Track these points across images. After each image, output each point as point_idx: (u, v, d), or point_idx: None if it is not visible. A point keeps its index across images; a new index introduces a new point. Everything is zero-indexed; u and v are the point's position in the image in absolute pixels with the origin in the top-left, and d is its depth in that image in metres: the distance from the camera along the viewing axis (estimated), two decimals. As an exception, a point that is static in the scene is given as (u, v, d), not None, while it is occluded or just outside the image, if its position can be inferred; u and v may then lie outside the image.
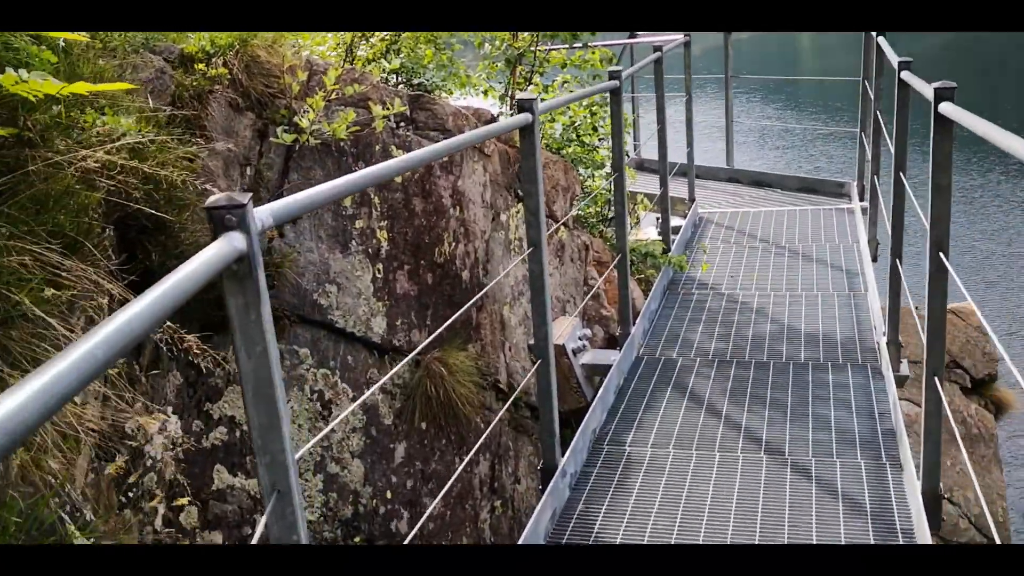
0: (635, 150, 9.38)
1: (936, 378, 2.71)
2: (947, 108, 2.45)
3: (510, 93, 6.19)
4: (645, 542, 3.09)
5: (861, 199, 6.91)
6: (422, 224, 3.95)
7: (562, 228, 5.04)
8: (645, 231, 7.31)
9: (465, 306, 2.85)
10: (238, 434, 2.97)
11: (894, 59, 3.91)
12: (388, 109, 3.66)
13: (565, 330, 4.69)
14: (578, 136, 5.74)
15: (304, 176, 3.47)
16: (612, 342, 5.03)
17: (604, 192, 5.59)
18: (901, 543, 2.91)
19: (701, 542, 3.05)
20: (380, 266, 3.75)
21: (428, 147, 2.21)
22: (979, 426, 6.72)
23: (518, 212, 4.66)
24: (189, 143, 2.78)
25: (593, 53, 6.27)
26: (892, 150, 3.89)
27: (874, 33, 6.56)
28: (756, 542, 3.01)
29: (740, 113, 18.15)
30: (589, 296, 5.19)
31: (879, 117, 5.43)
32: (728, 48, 8.14)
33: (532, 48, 6.13)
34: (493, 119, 4.53)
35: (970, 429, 6.68)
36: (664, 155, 5.82)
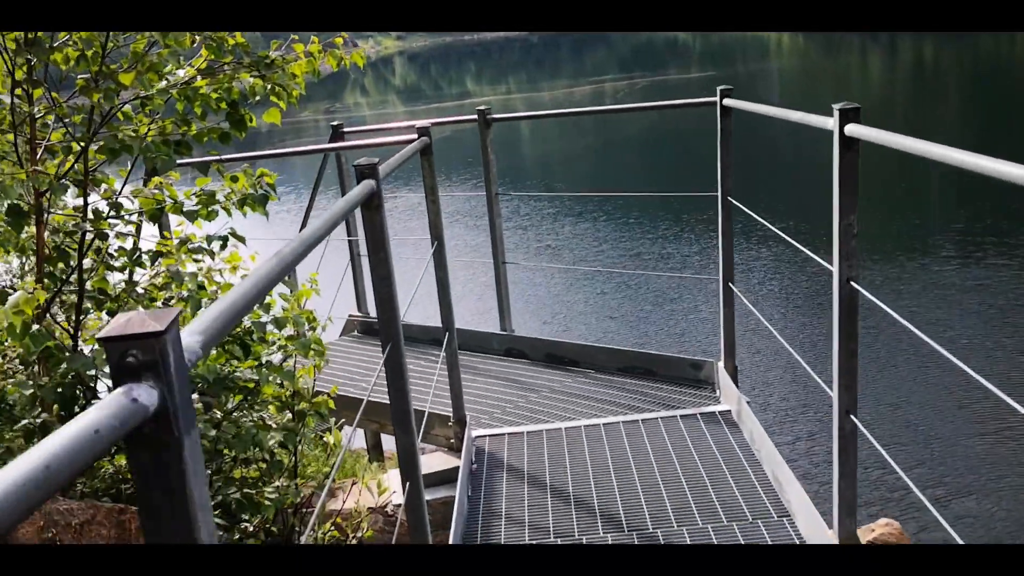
0: (359, 307, 6.15)
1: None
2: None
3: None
4: None
5: (737, 386, 4.07)
6: None
7: None
8: (388, 490, 3.98)
9: None
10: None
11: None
12: None
13: None
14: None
15: None
16: None
17: None
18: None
19: None
20: None
21: None
22: None
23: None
24: None
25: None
26: None
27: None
28: None
29: (512, 245, 11.18)
30: None
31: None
32: (489, 151, 5.16)
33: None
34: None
35: None
36: (406, 404, 2.58)
